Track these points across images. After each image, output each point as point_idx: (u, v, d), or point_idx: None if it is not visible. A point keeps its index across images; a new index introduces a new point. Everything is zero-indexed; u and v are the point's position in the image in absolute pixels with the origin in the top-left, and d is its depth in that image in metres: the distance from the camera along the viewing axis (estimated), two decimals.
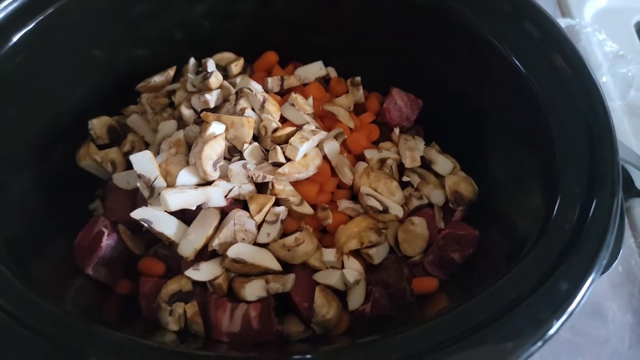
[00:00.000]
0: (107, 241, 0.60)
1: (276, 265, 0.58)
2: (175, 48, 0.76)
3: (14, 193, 0.61)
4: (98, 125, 0.71)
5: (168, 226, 0.58)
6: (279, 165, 0.61)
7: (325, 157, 0.65)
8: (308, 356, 0.45)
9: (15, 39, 0.59)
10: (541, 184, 0.55)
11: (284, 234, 0.61)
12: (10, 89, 0.61)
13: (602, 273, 0.48)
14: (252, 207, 0.59)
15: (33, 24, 0.60)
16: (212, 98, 0.66)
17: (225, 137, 0.61)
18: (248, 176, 0.60)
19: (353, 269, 0.60)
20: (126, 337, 0.44)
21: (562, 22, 1.03)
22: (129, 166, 0.68)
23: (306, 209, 0.62)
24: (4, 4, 0.59)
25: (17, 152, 0.63)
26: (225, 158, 0.62)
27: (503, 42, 0.60)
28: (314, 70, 0.75)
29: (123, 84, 0.73)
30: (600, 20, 1.06)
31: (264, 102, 0.65)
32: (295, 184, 0.63)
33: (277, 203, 0.61)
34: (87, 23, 0.67)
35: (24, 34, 0.60)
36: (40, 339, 0.43)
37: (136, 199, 0.63)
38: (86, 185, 0.71)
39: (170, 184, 0.59)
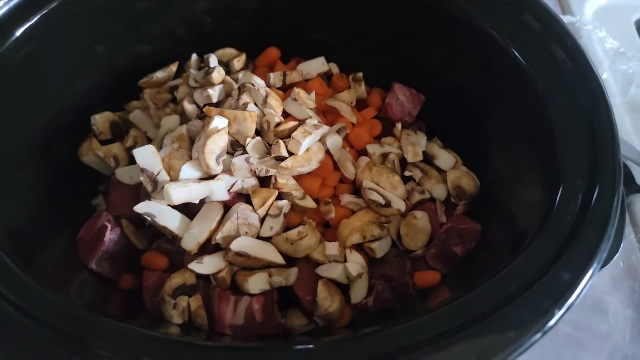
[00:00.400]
0: (110, 235, 0.60)
1: (279, 259, 0.58)
2: (177, 44, 0.76)
3: (17, 188, 0.61)
4: (100, 120, 0.71)
5: (171, 220, 0.58)
6: (282, 159, 0.61)
7: (327, 152, 0.65)
8: (310, 346, 0.45)
9: (18, 33, 0.59)
10: (542, 176, 0.55)
11: (286, 228, 0.61)
12: (13, 84, 0.61)
13: (603, 266, 0.48)
14: (255, 200, 0.59)
15: (36, 19, 0.60)
16: (214, 93, 0.67)
17: (228, 132, 0.61)
18: (251, 170, 0.61)
19: (356, 263, 0.60)
20: (130, 328, 0.44)
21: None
22: (131, 161, 0.68)
23: (309, 202, 0.62)
24: None
25: (20, 147, 0.63)
26: (228, 152, 0.62)
27: (503, 35, 0.60)
28: (316, 65, 0.75)
29: (125, 79, 0.73)
30: (601, 18, 1.06)
31: (266, 96, 0.65)
32: (298, 178, 0.63)
33: (280, 197, 0.61)
34: (89, 19, 0.67)
35: (27, 28, 0.60)
36: (44, 329, 0.43)
37: (139, 193, 0.63)
38: (88, 180, 0.71)
39: (174, 178, 0.59)
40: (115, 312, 0.58)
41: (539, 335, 0.42)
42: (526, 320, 0.43)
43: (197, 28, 0.76)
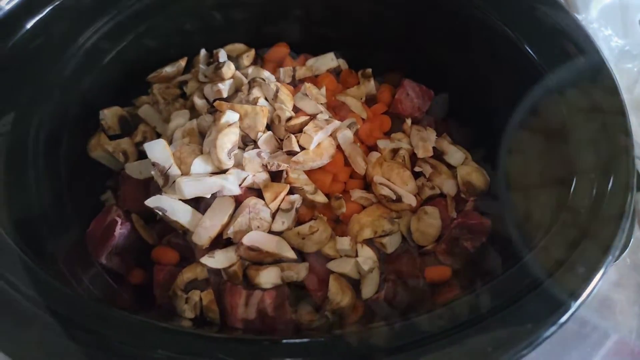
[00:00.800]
0: (121, 230, 0.60)
1: (291, 254, 0.58)
2: (186, 39, 0.76)
3: (26, 183, 0.61)
4: (109, 115, 0.71)
5: (182, 214, 0.58)
6: (294, 153, 0.61)
7: (338, 147, 0.65)
8: (321, 339, 0.45)
9: (28, 25, 0.59)
10: (555, 170, 0.55)
11: (298, 223, 0.61)
12: (23, 76, 0.61)
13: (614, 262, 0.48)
14: (267, 195, 0.59)
15: (46, 11, 0.60)
16: (224, 87, 0.66)
17: (239, 126, 0.61)
18: (262, 165, 0.60)
19: (367, 257, 0.60)
20: (145, 320, 0.44)
21: None
22: (140, 156, 0.68)
23: (320, 197, 0.62)
24: None
25: (28, 141, 0.62)
26: (239, 147, 0.62)
27: (515, 30, 0.60)
28: (326, 61, 0.75)
29: (134, 74, 0.73)
30: (607, 16, 1.06)
31: (277, 91, 0.65)
32: (309, 173, 0.63)
33: (292, 192, 0.61)
34: (99, 13, 0.67)
35: (38, 20, 0.60)
36: (59, 320, 0.43)
37: (149, 188, 0.63)
38: (97, 176, 0.71)
39: (185, 173, 0.59)
40: (126, 306, 0.58)
41: (554, 328, 0.42)
42: (542, 313, 0.43)
43: (205, 23, 0.76)
